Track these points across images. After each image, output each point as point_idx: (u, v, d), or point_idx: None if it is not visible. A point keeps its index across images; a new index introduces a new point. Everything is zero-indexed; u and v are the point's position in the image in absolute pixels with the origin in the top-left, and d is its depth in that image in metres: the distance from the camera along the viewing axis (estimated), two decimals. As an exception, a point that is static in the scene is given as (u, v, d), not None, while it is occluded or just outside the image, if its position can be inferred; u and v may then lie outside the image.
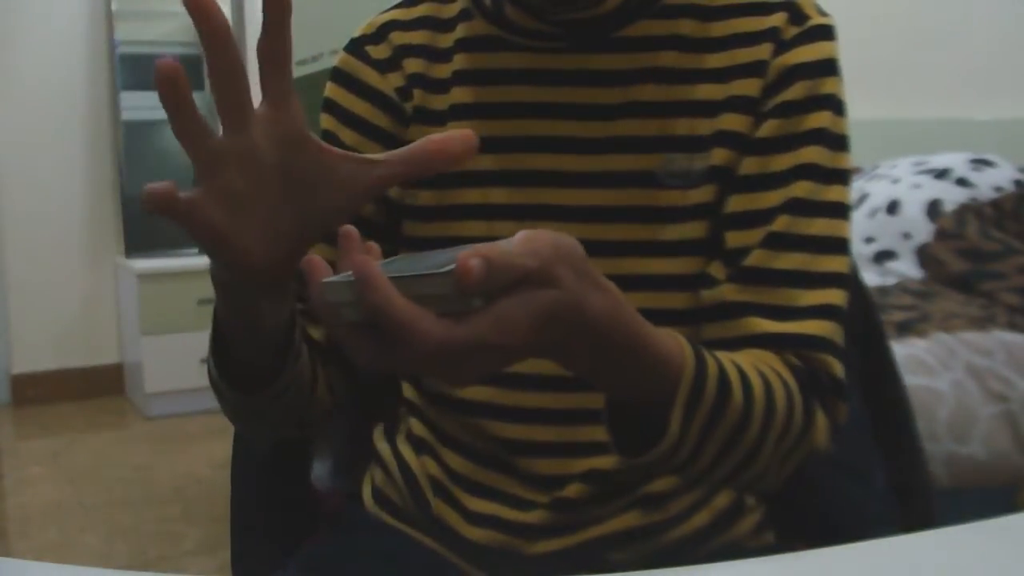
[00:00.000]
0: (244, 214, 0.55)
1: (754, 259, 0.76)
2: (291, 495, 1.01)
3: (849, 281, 0.77)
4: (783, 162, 0.76)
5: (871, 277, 2.40)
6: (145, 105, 4.05)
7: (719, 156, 0.77)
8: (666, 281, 0.78)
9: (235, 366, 0.71)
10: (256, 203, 0.56)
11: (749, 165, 0.77)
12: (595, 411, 0.76)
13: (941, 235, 2.36)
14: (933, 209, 2.42)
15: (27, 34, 3.86)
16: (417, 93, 0.83)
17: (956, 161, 2.54)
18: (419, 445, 0.87)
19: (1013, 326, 1.88)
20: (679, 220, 0.77)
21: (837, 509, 0.93)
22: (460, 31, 0.84)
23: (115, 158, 4.04)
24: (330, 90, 0.86)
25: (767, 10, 0.78)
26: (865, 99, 3.22)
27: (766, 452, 0.70)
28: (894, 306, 2.04)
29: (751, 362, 0.71)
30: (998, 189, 2.44)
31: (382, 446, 0.91)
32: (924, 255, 2.37)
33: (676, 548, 0.81)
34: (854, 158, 3.17)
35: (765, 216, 0.76)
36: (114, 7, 3.99)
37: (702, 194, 0.78)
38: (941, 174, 2.52)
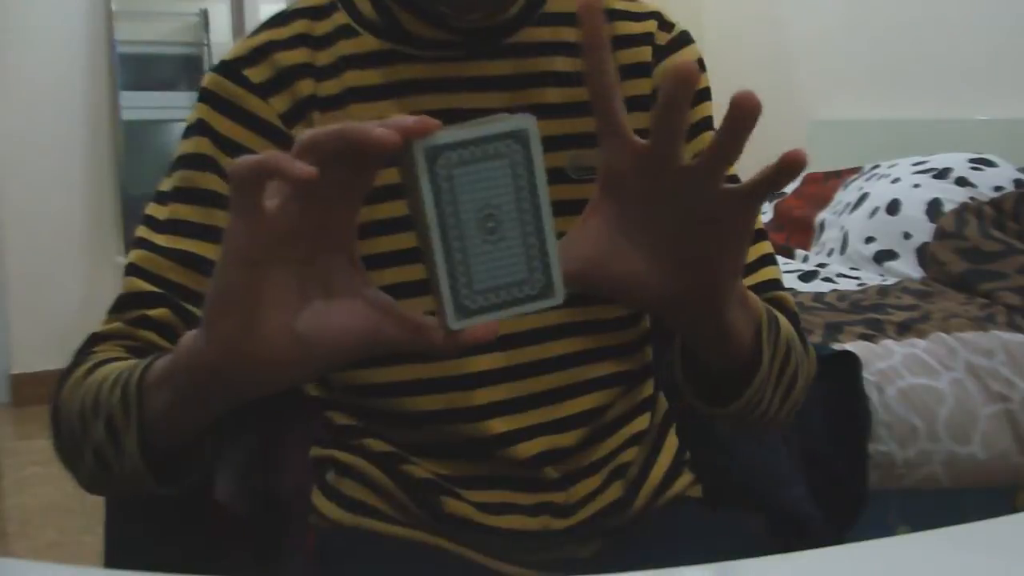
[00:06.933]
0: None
1: None
2: (186, 516, 0.92)
3: (767, 234, 0.88)
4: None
5: (871, 277, 2.40)
6: (145, 105, 4.06)
7: None
8: None
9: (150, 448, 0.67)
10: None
11: None
12: (536, 395, 0.83)
13: (941, 235, 2.36)
14: (933, 209, 2.42)
15: (27, 34, 3.86)
16: (315, 115, 0.80)
17: (956, 161, 2.54)
18: (391, 458, 0.85)
19: (1013, 326, 1.88)
20: None
21: (749, 470, 1.03)
22: (344, 48, 0.82)
23: (115, 158, 4.04)
24: (203, 112, 0.81)
25: (638, 17, 0.87)
26: (865, 99, 3.23)
27: (799, 387, 0.79)
28: (894, 306, 2.04)
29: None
30: (998, 189, 2.44)
31: (343, 456, 0.87)
32: (924, 255, 2.37)
33: (642, 509, 0.88)
34: (856, 158, 3.16)
35: None
36: (114, 7, 3.99)
37: None
38: (941, 174, 2.52)
